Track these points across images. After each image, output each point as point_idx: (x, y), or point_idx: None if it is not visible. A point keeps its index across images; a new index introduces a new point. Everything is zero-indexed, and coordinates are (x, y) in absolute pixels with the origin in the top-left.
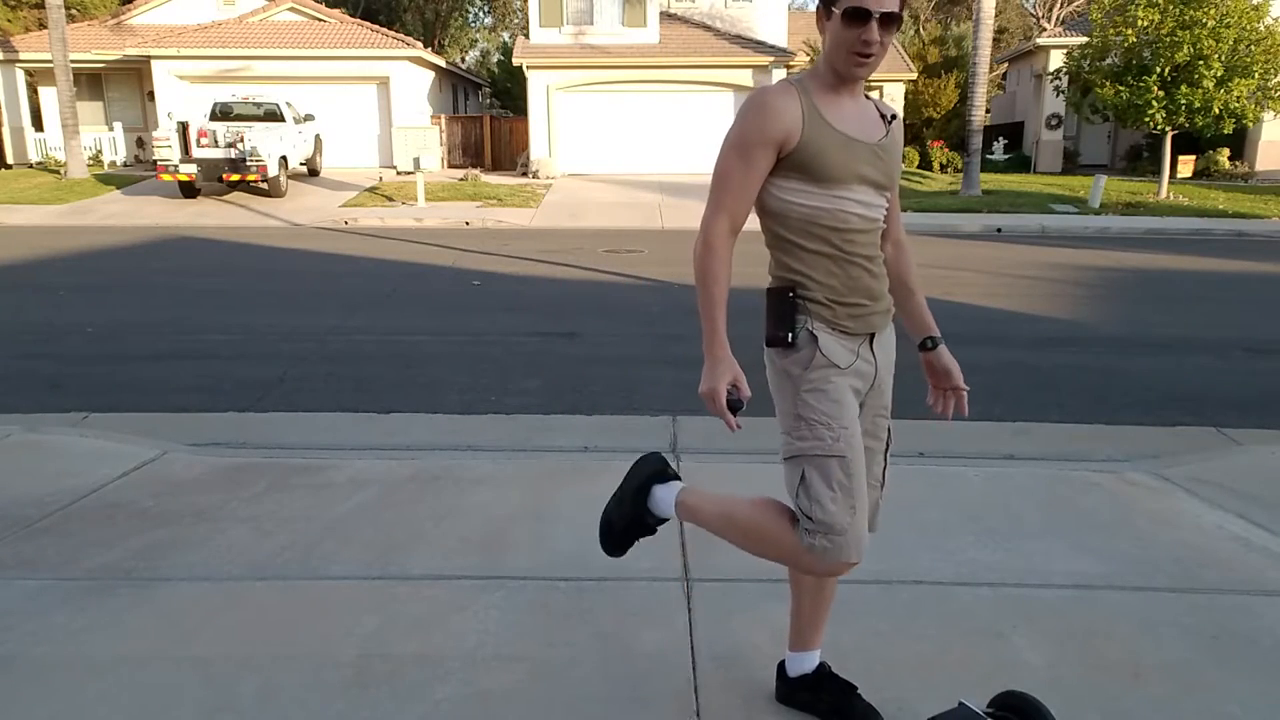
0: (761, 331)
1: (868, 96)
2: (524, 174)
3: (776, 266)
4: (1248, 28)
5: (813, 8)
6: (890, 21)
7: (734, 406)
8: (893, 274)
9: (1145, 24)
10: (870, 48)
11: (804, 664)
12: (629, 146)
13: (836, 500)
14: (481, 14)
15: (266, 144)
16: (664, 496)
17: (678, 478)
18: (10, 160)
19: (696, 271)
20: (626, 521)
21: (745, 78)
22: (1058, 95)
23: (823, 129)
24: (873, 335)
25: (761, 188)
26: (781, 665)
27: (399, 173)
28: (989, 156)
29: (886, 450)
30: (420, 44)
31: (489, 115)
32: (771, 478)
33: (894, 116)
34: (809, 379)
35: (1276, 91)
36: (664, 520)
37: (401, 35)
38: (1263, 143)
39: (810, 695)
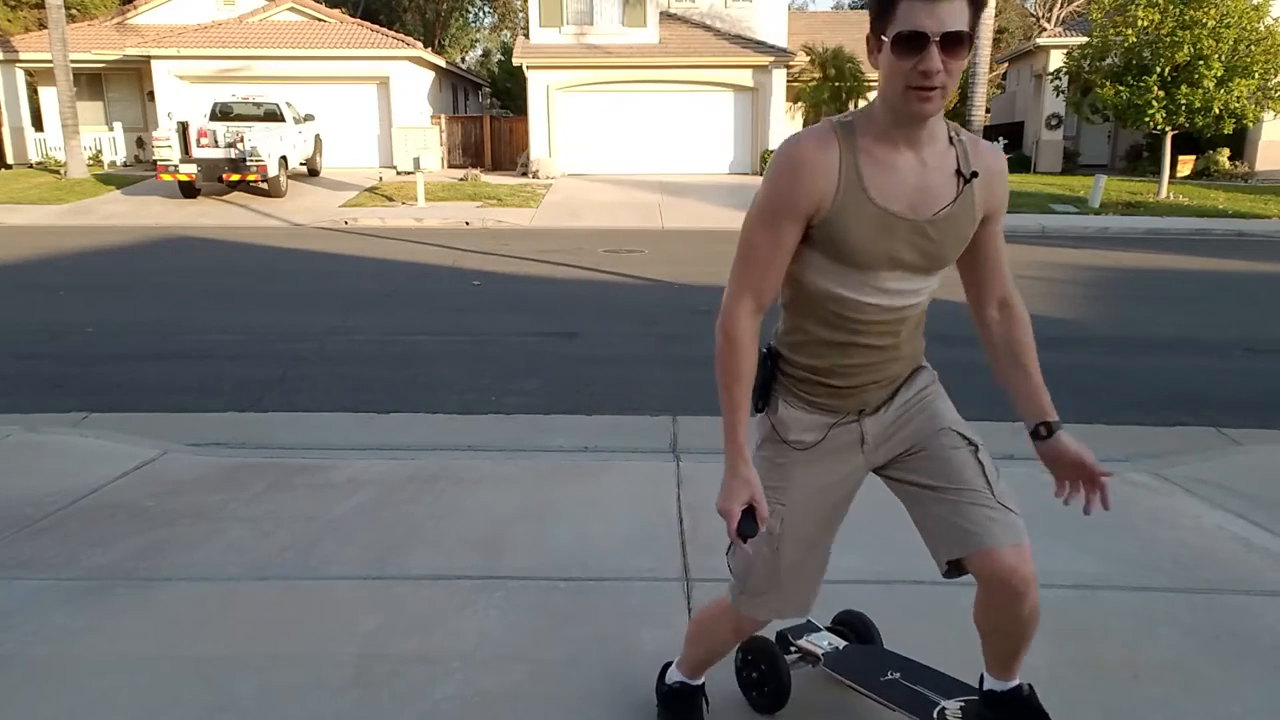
0: None
1: (955, 140)
2: (524, 174)
3: (779, 326)
4: (1248, 28)
5: (813, 7)
6: (956, 45)
7: (746, 532)
8: (1000, 344)
9: (1145, 24)
10: (931, 79)
11: (1001, 687)
12: (629, 146)
13: (755, 570)
14: (482, 14)
15: (266, 144)
16: (670, 672)
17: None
18: (10, 160)
19: (716, 366)
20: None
21: (745, 78)
22: (1058, 95)
23: (857, 201)
24: (865, 410)
25: None
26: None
27: (399, 173)
28: None
29: (977, 453)
30: (420, 44)
31: (489, 115)
32: None
33: (974, 175)
34: (763, 446)
35: (1276, 91)
36: (692, 683)
37: (401, 35)
38: (1263, 143)
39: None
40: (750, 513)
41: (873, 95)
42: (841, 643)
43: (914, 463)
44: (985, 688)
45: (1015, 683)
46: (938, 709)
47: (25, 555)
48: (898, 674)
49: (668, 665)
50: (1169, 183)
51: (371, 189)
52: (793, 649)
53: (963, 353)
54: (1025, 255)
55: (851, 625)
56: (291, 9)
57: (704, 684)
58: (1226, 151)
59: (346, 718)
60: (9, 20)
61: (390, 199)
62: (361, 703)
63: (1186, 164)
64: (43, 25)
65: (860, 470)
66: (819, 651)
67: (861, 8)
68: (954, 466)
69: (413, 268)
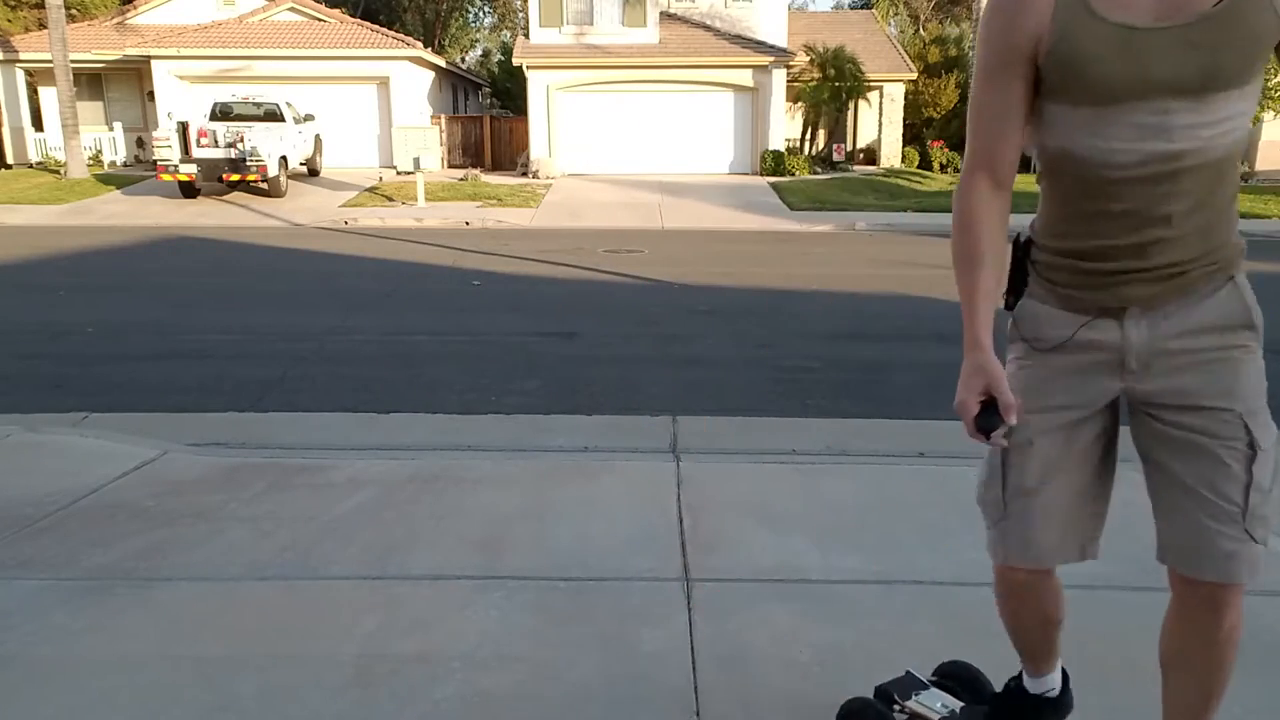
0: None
1: None
2: (524, 174)
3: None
4: None
5: (813, 7)
6: None
7: (987, 426)
8: None
9: None
10: None
11: None
12: (629, 146)
13: (986, 491)
14: (482, 14)
15: (266, 144)
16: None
17: None
18: (10, 160)
19: (952, 249)
20: None
21: (745, 78)
22: None
23: (1081, 21)
24: (1127, 309)
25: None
26: None
27: (399, 173)
28: None
29: (1253, 462)
30: (420, 44)
31: (489, 115)
32: (772, 478)
33: None
34: (1008, 346)
35: (1276, 92)
36: (1036, 682)
37: (401, 35)
38: (1263, 143)
39: None
40: (991, 405)
41: (873, 96)
42: (956, 704)
43: (1175, 441)
44: None
45: None
46: None
47: (25, 555)
48: None
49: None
50: None
51: (371, 189)
52: (897, 708)
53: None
54: None
55: (959, 678)
56: (291, 9)
57: (1056, 691)
58: None
59: (346, 718)
60: (9, 20)
61: (390, 199)
62: (361, 703)
63: None
64: (43, 25)
65: (1114, 392)
66: (935, 717)
67: (862, 7)
68: (1219, 472)
69: (413, 268)
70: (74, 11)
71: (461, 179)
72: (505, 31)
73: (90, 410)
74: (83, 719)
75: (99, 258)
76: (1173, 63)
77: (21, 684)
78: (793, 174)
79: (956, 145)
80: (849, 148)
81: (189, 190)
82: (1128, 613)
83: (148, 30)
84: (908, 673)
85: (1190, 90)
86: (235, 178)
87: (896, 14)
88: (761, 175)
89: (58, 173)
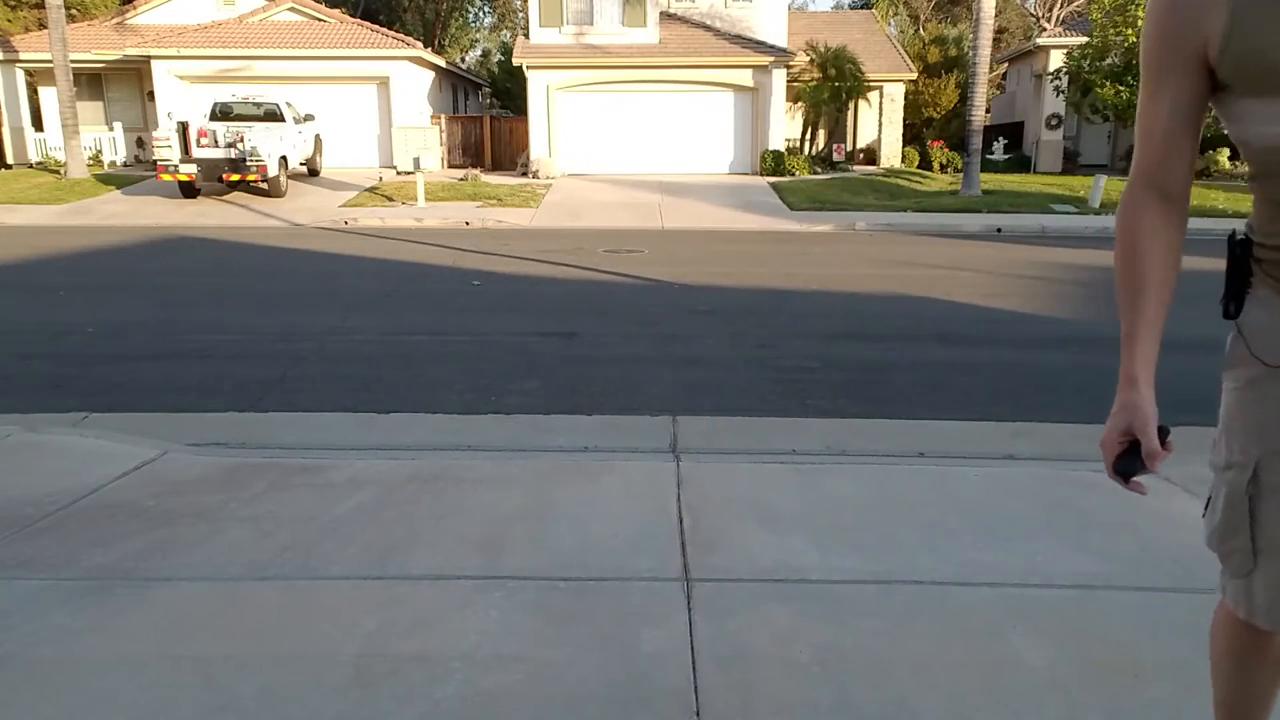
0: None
1: None
2: (524, 174)
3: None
4: None
5: (813, 7)
6: None
7: (1126, 470)
8: None
9: None
10: None
11: None
12: (629, 146)
13: (1218, 534)
14: (482, 14)
15: (266, 144)
16: None
17: None
18: (10, 160)
19: (1115, 259)
20: None
21: (745, 78)
22: (1058, 95)
23: (1260, 7)
24: None
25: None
26: None
27: (399, 173)
28: (989, 156)
29: None
30: (420, 44)
31: (489, 115)
32: (772, 478)
33: None
34: (1229, 367)
35: None
36: None
37: (401, 35)
38: None
39: None
40: (1135, 448)
41: (873, 96)
42: None
43: None
44: None
45: None
46: None
47: (25, 555)
48: None
49: None
50: None
51: (371, 189)
52: None
53: (962, 353)
54: (1025, 255)
55: None
56: (291, 9)
57: None
58: (1226, 151)
59: (346, 718)
60: (9, 20)
61: (390, 199)
62: (361, 703)
63: None
64: (43, 25)
65: None
66: None
67: (862, 7)
68: None
69: (413, 268)
70: (74, 11)
71: (461, 179)
72: (505, 31)
73: (90, 410)
74: (83, 719)
75: (99, 258)
76: None
77: (21, 684)
78: (793, 174)
79: (956, 145)
80: (849, 148)
81: (189, 190)
82: (1127, 613)
83: (148, 30)
84: None
85: None
86: (235, 178)
87: (896, 14)
88: (761, 175)
89: (58, 173)
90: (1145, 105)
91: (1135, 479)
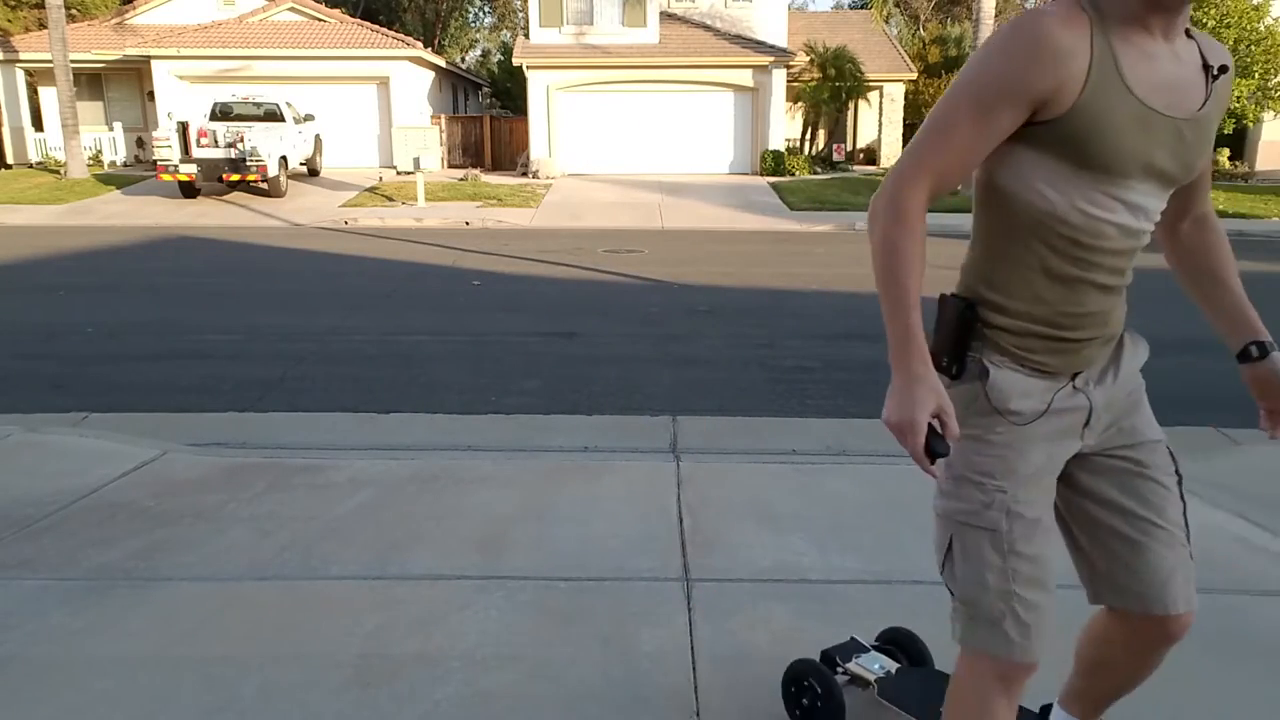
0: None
1: (1189, 33)
2: (524, 174)
3: (969, 264)
4: (1248, 28)
5: (813, 7)
6: None
7: (936, 451)
8: (1198, 263)
9: None
10: None
11: None
12: (629, 146)
13: (982, 584)
14: (482, 14)
15: (266, 144)
16: None
17: None
18: (10, 160)
19: (878, 249)
20: None
21: (745, 78)
22: None
23: (1114, 92)
24: (1085, 371)
25: (993, 152)
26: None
27: (399, 173)
28: None
29: (1180, 485)
30: (420, 44)
31: (489, 115)
32: (772, 478)
33: (1223, 69)
34: (969, 423)
35: (1276, 91)
36: None
37: (401, 35)
38: (1263, 143)
39: None
40: (935, 431)
41: (873, 96)
42: (893, 665)
43: (1117, 472)
44: None
45: None
46: None
47: (25, 555)
48: None
49: None
50: None
51: (371, 189)
52: (840, 672)
53: None
54: None
55: (901, 645)
56: (291, 9)
57: None
58: (1226, 151)
59: (346, 718)
60: (9, 20)
61: (390, 199)
62: (361, 703)
63: None
64: (43, 25)
65: (1072, 454)
66: (871, 677)
67: (861, 7)
68: (1162, 498)
69: (413, 268)
70: (74, 11)
71: (461, 179)
72: (505, 31)
73: (90, 410)
74: (83, 719)
75: (99, 258)
76: (1168, 151)
77: (21, 684)
78: (793, 174)
79: None
80: (849, 148)
81: (189, 190)
82: None
83: (147, 30)
84: (851, 638)
85: (1169, 179)
86: (235, 178)
87: (890, 15)
88: (761, 175)
89: (58, 173)
90: (967, 122)
91: (938, 462)
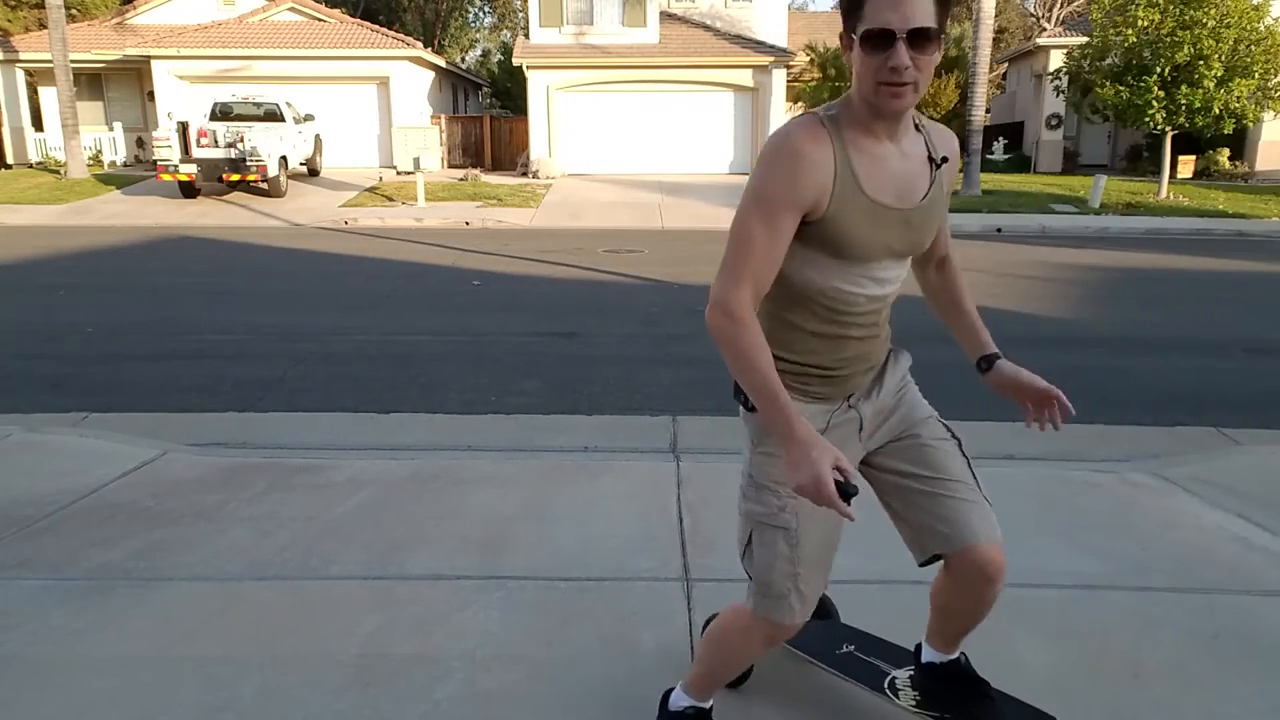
0: None
1: (918, 127)
2: (524, 174)
3: (758, 318)
4: (1248, 28)
5: (813, 7)
6: (924, 41)
7: (848, 493)
8: (942, 298)
9: (1145, 24)
10: (901, 75)
11: (941, 659)
12: (629, 146)
13: (775, 569)
14: (482, 14)
15: (266, 144)
16: (675, 697)
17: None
18: (10, 160)
19: (728, 353)
20: None
21: (745, 78)
22: (1058, 95)
23: (853, 196)
24: (855, 393)
25: None
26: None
27: (399, 173)
28: (989, 156)
29: (960, 446)
30: (420, 44)
31: (489, 115)
32: None
33: (944, 160)
34: (764, 443)
35: (1277, 91)
36: (704, 706)
37: (401, 35)
38: (1263, 143)
39: (937, 685)
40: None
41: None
42: None
43: (903, 450)
44: (925, 659)
45: (956, 655)
46: (888, 679)
47: (25, 555)
48: (852, 647)
49: (669, 691)
50: (1169, 183)
51: (371, 189)
52: None
53: (962, 353)
54: (1025, 255)
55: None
56: (291, 9)
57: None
58: (1226, 151)
59: (346, 718)
60: (9, 20)
61: (390, 199)
62: (362, 703)
63: (1187, 164)
64: (43, 25)
65: (857, 458)
66: None
67: None
68: (942, 457)
69: (412, 268)
70: (74, 11)
71: (461, 179)
72: (505, 31)
73: (90, 410)
74: (83, 719)
75: (99, 258)
76: (899, 234)
77: (21, 684)
78: None
79: None
80: None
81: (189, 190)
82: (1127, 613)
83: (147, 30)
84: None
85: (904, 255)
86: (235, 178)
87: None
88: None
89: (58, 173)
90: (759, 232)
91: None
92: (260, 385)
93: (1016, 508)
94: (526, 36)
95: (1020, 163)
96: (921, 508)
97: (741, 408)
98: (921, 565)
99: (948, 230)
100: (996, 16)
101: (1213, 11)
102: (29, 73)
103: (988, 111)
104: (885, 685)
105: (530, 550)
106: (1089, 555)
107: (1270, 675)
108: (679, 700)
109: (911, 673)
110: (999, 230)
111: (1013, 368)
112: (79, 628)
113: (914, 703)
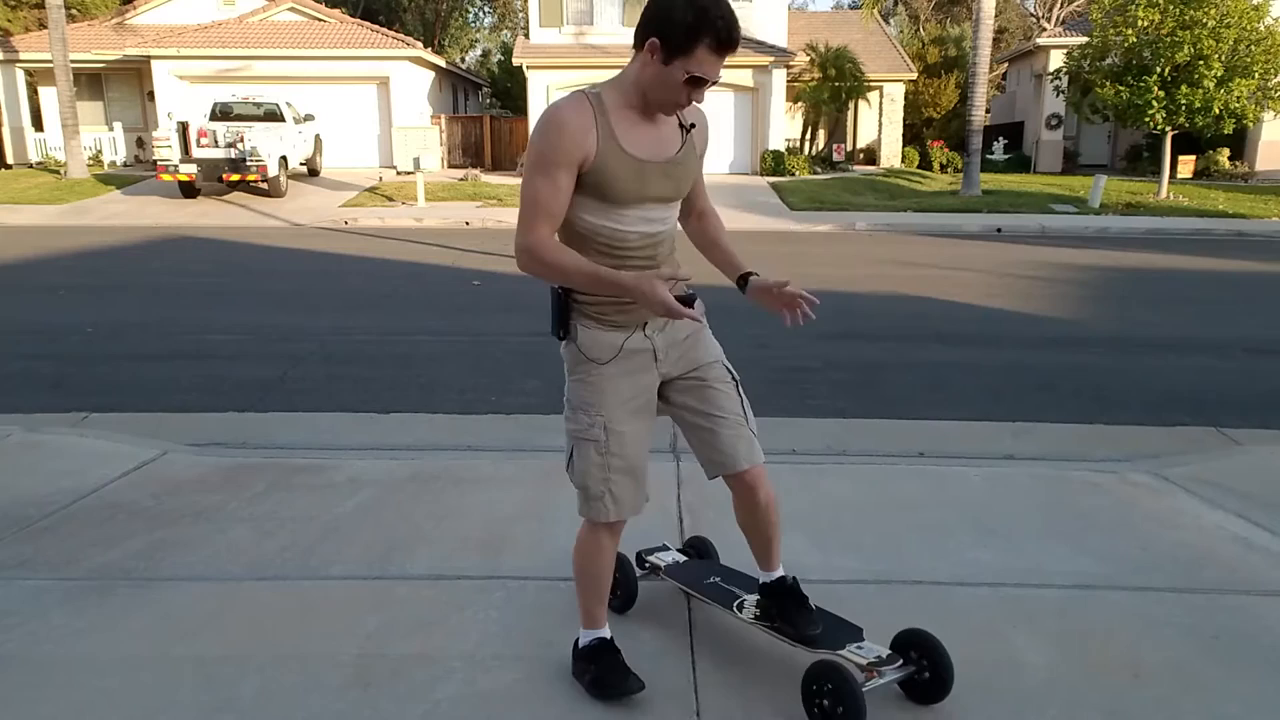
0: None
1: None
2: None
3: None
4: (1248, 28)
5: (813, 7)
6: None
7: (688, 300)
8: (702, 238)
9: (1145, 24)
10: (695, 101)
11: (768, 578)
12: None
13: (590, 475)
14: (482, 14)
15: (266, 144)
16: (583, 637)
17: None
18: (10, 160)
19: (546, 272)
20: (597, 671)
21: (745, 78)
22: (1058, 95)
23: (616, 154)
24: (647, 323)
25: None
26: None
27: (399, 173)
28: (989, 156)
29: (738, 387)
30: (420, 44)
31: (489, 115)
32: (772, 478)
33: (692, 126)
34: (575, 370)
35: (1276, 91)
36: (604, 634)
37: (401, 35)
38: (1263, 143)
39: (769, 602)
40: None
41: (873, 96)
42: (683, 558)
43: (691, 389)
44: (761, 582)
45: (780, 573)
46: (738, 601)
47: (25, 555)
48: (718, 578)
49: (576, 641)
50: (1169, 183)
51: (371, 189)
52: (646, 564)
53: (964, 353)
54: (1025, 255)
55: (696, 546)
56: (291, 9)
57: (613, 637)
58: (1226, 151)
59: (346, 718)
60: (9, 20)
61: (390, 199)
62: (362, 703)
63: (1187, 164)
64: (43, 25)
65: (655, 382)
66: (662, 565)
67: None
68: (721, 398)
69: (413, 268)
70: (74, 11)
71: (461, 179)
72: (505, 31)
73: (90, 410)
74: (83, 719)
75: (99, 258)
76: (659, 183)
77: (22, 684)
78: (793, 174)
79: (956, 145)
80: (849, 148)
81: (189, 190)
82: (1127, 613)
83: (147, 30)
84: (663, 544)
85: (668, 199)
86: (235, 178)
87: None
88: (761, 175)
89: (58, 173)
90: (542, 186)
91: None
92: (260, 385)
93: (1016, 507)
94: (526, 36)
95: (1020, 163)
96: (704, 440)
97: (559, 341)
98: (710, 478)
99: (703, 186)
100: (996, 16)
101: (1213, 11)
102: (29, 73)
103: (987, 111)
104: (735, 605)
105: (530, 550)
106: (1089, 555)
107: (1270, 675)
108: (583, 638)
109: (757, 597)
110: (999, 230)
111: (763, 280)
112: (79, 627)
113: (753, 617)
